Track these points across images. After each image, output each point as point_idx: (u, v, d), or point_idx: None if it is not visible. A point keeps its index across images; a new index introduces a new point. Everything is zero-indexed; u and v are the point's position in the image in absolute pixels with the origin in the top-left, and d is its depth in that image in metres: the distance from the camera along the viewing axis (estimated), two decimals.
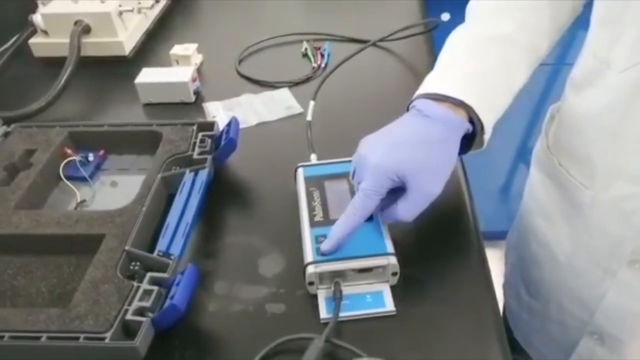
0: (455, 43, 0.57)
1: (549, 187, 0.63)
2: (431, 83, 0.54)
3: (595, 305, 0.59)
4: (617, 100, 0.50)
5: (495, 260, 0.74)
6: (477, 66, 0.54)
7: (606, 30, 0.51)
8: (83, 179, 0.64)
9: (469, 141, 0.54)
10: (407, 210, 0.49)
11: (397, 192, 0.50)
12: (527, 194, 0.70)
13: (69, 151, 0.65)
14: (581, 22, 0.57)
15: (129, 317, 0.45)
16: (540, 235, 0.65)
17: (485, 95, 0.52)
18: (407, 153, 0.49)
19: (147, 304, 0.46)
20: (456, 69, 0.54)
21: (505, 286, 0.80)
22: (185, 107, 0.78)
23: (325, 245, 0.49)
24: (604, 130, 0.53)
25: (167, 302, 0.45)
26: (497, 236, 1.24)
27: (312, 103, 0.71)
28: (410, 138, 0.50)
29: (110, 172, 0.67)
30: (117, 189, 0.65)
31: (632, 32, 0.48)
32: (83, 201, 0.62)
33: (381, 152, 0.49)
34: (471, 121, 0.52)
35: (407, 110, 0.54)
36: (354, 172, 0.52)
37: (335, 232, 0.49)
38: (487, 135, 0.53)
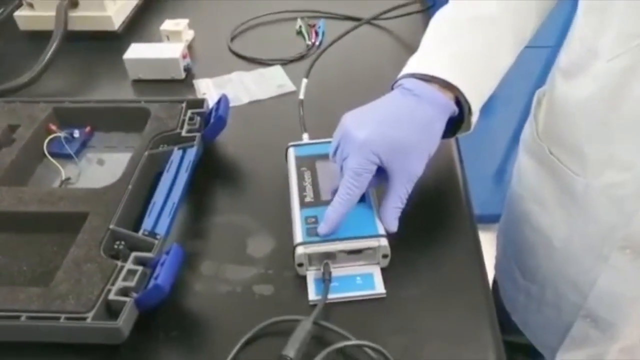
0: (440, 24, 0.56)
1: (541, 174, 0.62)
2: (418, 63, 0.53)
3: (588, 289, 0.59)
4: (605, 89, 0.50)
5: (489, 244, 0.73)
6: (462, 47, 0.53)
7: (592, 19, 0.51)
8: (68, 156, 0.63)
9: (452, 125, 0.53)
10: (395, 195, 0.48)
11: (380, 171, 0.49)
12: (517, 180, 0.69)
13: (53, 127, 0.63)
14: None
15: (111, 297, 0.44)
16: (533, 222, 0.64)
17: (472, 78, 0.51)
18: (395, 130, 0.48)
19: (131, 284, 0.44)
20: (442, 50, 0.53)
21: (499, 270, 0.80)
22: (175, 84, 0.76)
23: (322, 229, 0.48)
24: (592, 118, 0.52)
25: (151, 283, 0.44)
26: (491, 219, 1.24)
27: (304, 81, 0.69)
28: (399, 116, 0.49)
29: (96, 149, 0.65)
30: (104, 167, 0.63)
31: (616, 22, 0.47)
32: (68, 179, 0.60)
33: (369, 128, 0.48)
34: (457, 104, 0.51)
35: (392, 89, 0.53)
36: (336, 149, 0.51)
37: (331, 215, 0.48)
38: (474, 118, 0.53)
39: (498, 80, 0.55)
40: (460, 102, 0.51)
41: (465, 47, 0.53)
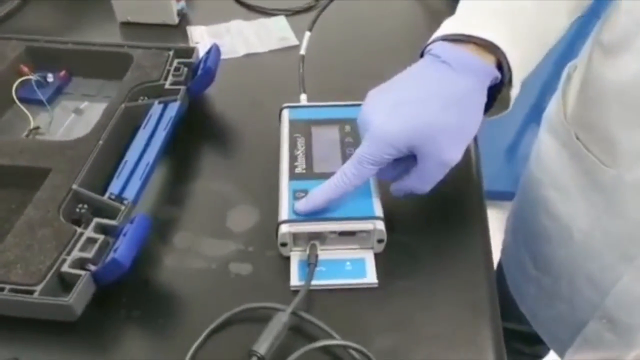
0: None
1: (564, 158, 0.55)
2: (451, 23, 0.44)
3: (607, 288, 0.53)
4: None
5: (494, 223, 0.67)
6: (509, 2, 0.44)
7: None
8: (40, 103, 0.57)
9: (490, 99, 0.44)
10: (421, 181, 0.41)
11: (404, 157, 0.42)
12: (536, 161, 0.62)
13: (25, 69, 0.57)
14: None
15: (65, 269, 0.38)
16: (551, 209, 0.58)
17: (519, 40, 0.42)
18: (415, 115, 0.40)
19: (88, 254, 0.39)
20: (483, 6, 0.44)
21: (506, 255, 0.74)
22: (167, 30, 0.70)
23: (300, 205, 0.43)
24: (631, 103, 0.45)
25: (110, 255, 0.38)
26: (499, 197, 1.18)
27: (307, 34, 0.62)
28: (421, 93, 0.41)
29: (73, 97, 0.59)
30: (80, 118, 0.58)
31: None
32: (37, 128, 0.55)
33: (384, 113, 0.40)
34: (499, 69, 0.42)
35: (421, 56, 0.45)
36: None
37: (315, 196, 0.42)
38: (515, 91, 0.44)
39: (546, 51, 0.46)
40: (502, 68, 0.42)
41: (513, 2, 0.44)
